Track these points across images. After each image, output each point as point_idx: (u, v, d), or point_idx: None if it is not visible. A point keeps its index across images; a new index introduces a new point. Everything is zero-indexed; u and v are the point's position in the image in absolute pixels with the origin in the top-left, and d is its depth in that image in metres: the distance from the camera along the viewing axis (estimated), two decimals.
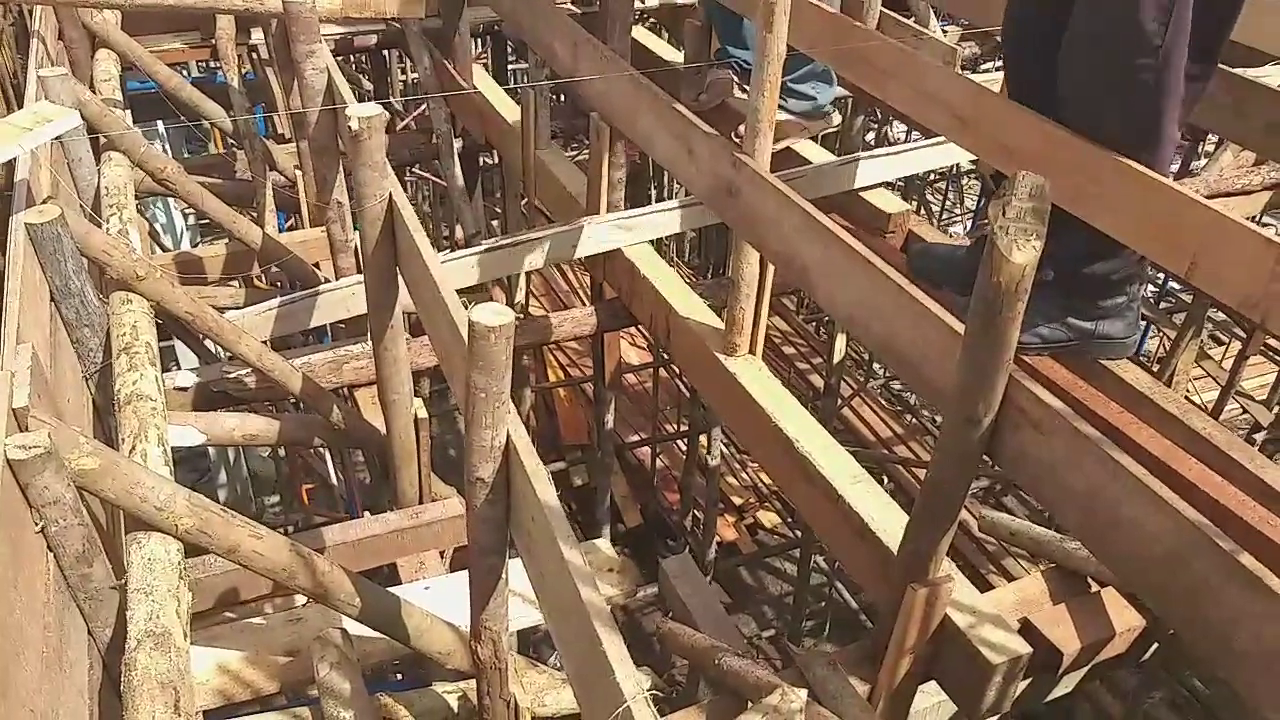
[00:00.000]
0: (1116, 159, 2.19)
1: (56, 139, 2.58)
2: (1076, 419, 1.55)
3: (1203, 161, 4.97)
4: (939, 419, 7.29)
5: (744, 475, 7.09)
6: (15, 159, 2.30)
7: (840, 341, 4.42)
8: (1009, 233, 1.44)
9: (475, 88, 4.21)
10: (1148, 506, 1.47)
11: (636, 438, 6.82)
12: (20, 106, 2.90)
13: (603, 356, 4.14)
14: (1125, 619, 2.10)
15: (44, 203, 2.20)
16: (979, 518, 2.54)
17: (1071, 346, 2.27)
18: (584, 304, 7.43)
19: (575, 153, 6.50)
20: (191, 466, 7.09)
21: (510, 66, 7.60)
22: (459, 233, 4.93)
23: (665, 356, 6.05)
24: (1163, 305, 7.96)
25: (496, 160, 5.99)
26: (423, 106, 5.07)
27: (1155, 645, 2.28)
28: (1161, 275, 7.75)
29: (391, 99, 6.38)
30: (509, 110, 4.04)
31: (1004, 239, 1.43)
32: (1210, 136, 4.71)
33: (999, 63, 6.15)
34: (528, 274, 4.44)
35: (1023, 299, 1.47)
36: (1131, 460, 1.50)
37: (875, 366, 7.67)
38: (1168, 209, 2.09)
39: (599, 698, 1.31)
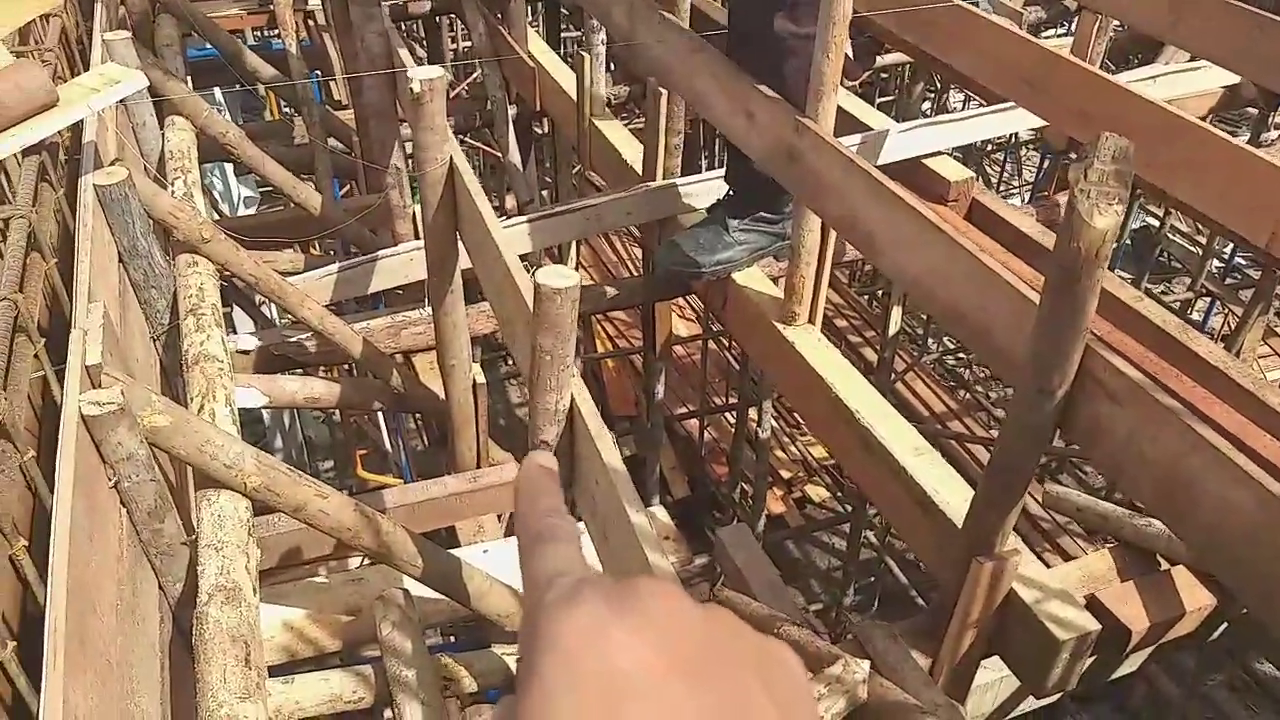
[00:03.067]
0: (1199, 125, 2.12)
1: (120, 103, 2.61)
2: (1156, 389, 1.50)
3: (1273, 134, 4.80)
4: (993, 395, 7.22)
5: (793, 449, 7.05)
6: (82, 121, 2.33)
7: (896, 314, 4.35)
8: (1090, 196, 1.39)
9: (530, 54, 4.18)
10: (1229, 479, 1.42)
11: (684, 410, 6.80)
12: (86, 70, 2.93)
13: (653, 327, 4.12)
14: (1196, 598, 2.05)
15: (111, 164, 2.23)
16: (1042, 493, 2.49)
17: (772, 250, 2.79)
18: (632, 275, 7.42)
19: (627, 120, 6.45)
20: (248, 431, 7.21)
21: (563, 33, 7.55)
22: (509, 202, 4.92)
23: (714, 329, 6.01)
24: (1228, 281, 7.75)
25: (547, 130, 5.96)
26: (475, 74, 5.06)
27: (1224, 625, 2.23)
28: (1227, 250, 7.53)
29: (445, 65, 6.38)
30: (564, 77, 4.01)
31: (1085, 203, 1.38)
32: None
33: (1065, 27, 5.99)
34: (577, 244, 4.42)
35: (1103, 265, 1.42)
36: (1213, 432, 1.45)
37: (929, 341, 7.57)
38: (1252, 178, 2.02)
39: None
